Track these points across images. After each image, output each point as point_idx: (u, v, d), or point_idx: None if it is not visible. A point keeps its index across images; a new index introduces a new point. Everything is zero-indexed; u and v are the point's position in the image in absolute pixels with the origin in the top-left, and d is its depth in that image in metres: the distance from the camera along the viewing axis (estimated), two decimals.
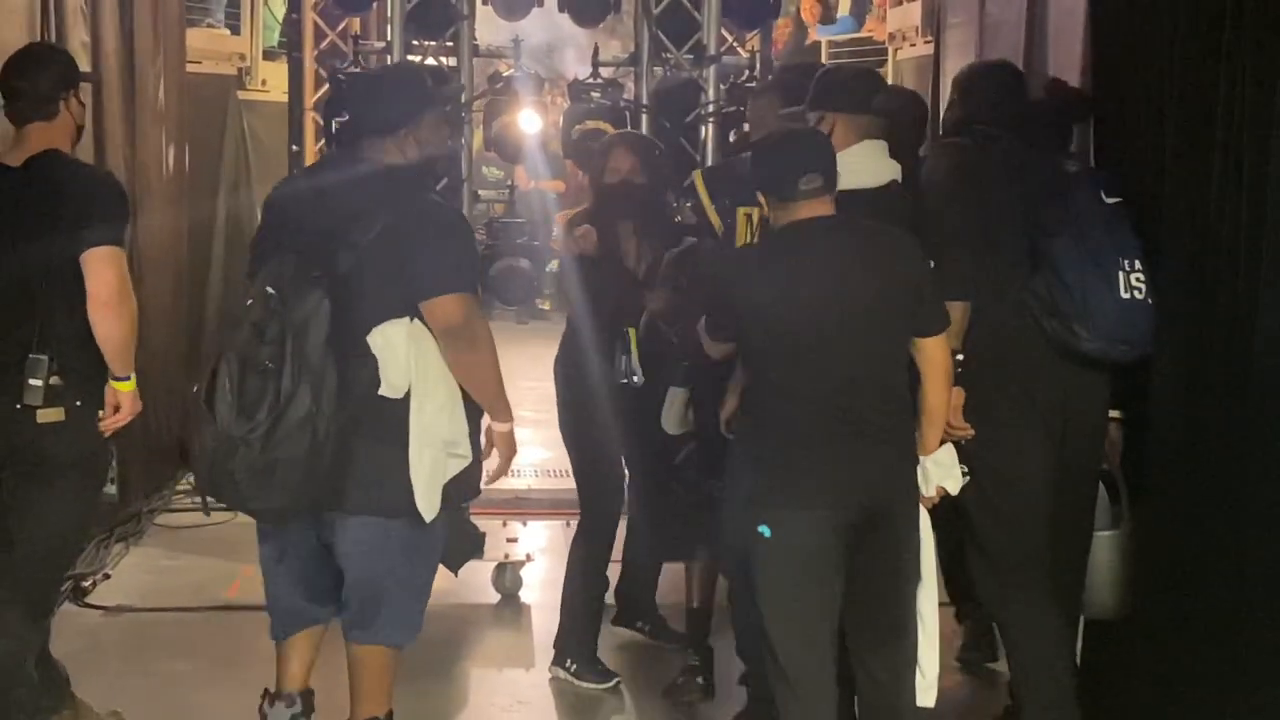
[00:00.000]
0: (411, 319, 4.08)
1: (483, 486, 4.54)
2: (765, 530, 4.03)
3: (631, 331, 5.36)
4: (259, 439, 3.94)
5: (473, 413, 4.28)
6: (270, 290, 4.02)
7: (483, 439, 4.32)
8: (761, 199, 4.14)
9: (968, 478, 4.38)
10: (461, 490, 4.33)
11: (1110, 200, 4.46)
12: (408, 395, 4.09)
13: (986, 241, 4.44)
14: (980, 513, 4.51)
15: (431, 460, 4.12)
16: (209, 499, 4.16)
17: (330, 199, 4.21)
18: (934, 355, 4.13)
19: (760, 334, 4.08)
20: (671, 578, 5.78)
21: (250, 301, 4.08)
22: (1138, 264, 4.38)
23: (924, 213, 4.41)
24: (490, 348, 4.18)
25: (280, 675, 4.47)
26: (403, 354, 4.06)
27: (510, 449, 4.32)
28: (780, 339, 4.05)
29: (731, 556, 4.68)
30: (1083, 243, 4.38)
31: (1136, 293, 4.36)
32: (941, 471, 4.21)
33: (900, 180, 4.37)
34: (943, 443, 4.26)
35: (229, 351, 4.00)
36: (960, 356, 4.42)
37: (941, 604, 4.41)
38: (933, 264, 4.23)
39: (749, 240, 4.91)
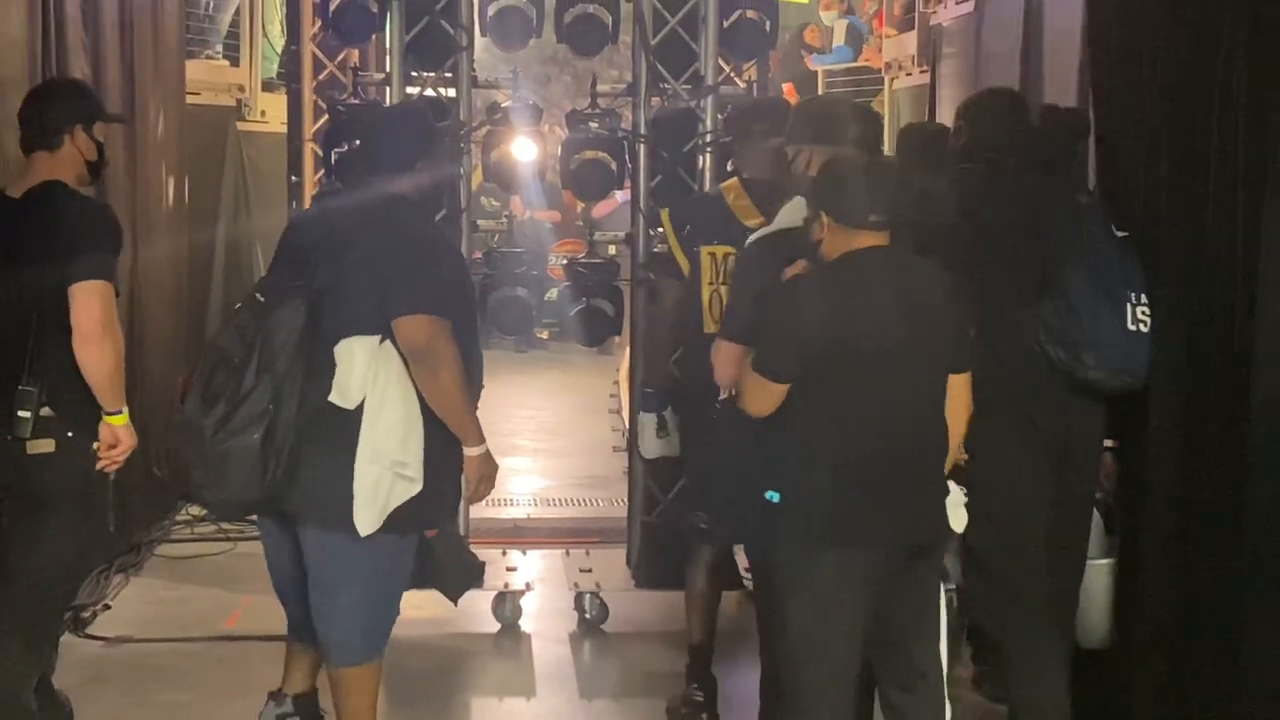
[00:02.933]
0: (383, 339, 4.19)
1: (464, 508, 4.60)
2: (798, 563, 3.96)
3: None
4: (212, 426, 4.12)
5: (450, 446, 4.34)
6: (258, 296, 4.26)
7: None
8: (824, 220, 4.02)
9: (967, 500, 4.40)
10: (417, 518, 4.34)
11: (1120, 234, 4.49)
12: (359, 413, 4.17)
13: (995, 272, 4.46)
14: (981, 536, 4.52)
15: (375, 476, 4.19)
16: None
17: (332, 219, 4.44)
18: (961, 392, 4.10)
19: (816, 364, 3.93)
20: (666, 606, 5.77)
21: (239, 305, 4.34)
22: (1143, 296, 4.41)
23: (933, 240, 4.45)
24: (455, 371, 4.23)
25: (283, 676, 4.72)
26: (360, 366, 4.17)
27: (479, 472, 4.39)
28: (837, 371, 3.93)
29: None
30: (1095, 273, 4.40)
31: (1142, 325, 4.39)
32: (956, 512, 4.21)
33: None
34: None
35: (210, 348, 4.28)
36: None
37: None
38: None
39: (714, 280, 4.98)
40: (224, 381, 4.16)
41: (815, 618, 3.93)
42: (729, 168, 6.56)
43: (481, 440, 4.37)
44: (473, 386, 4.39)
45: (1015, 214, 4.55)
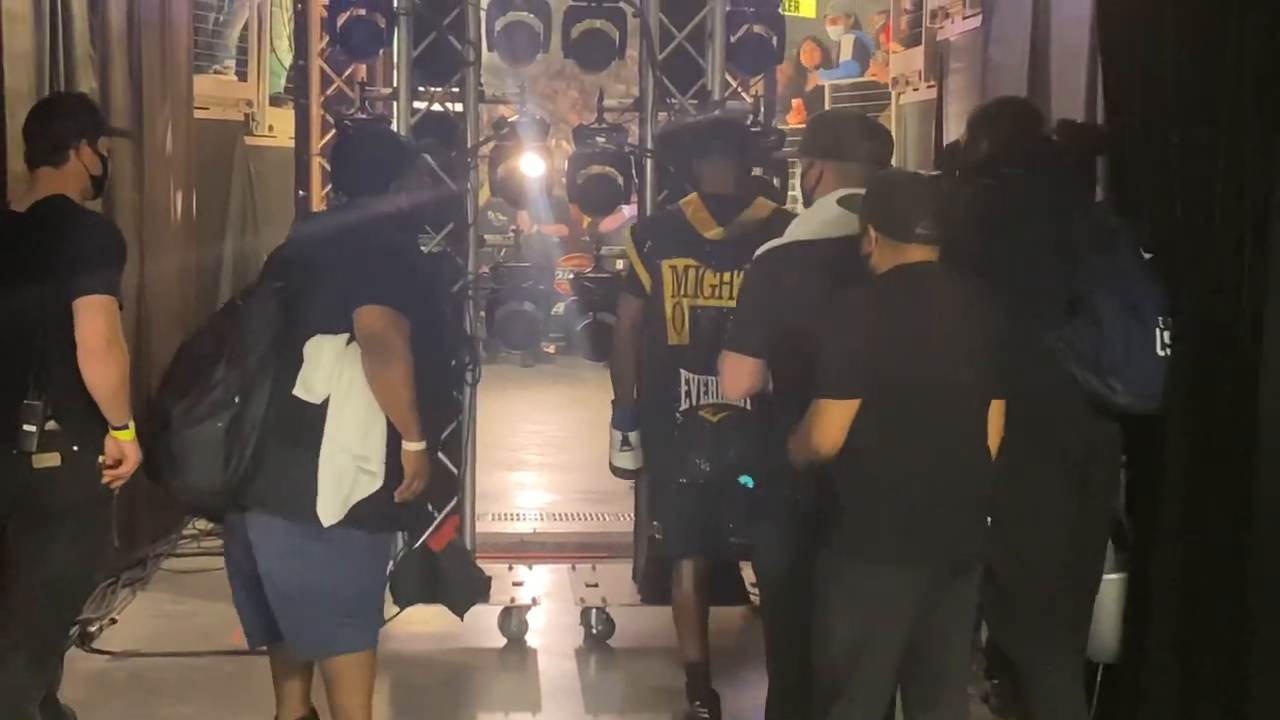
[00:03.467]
0: (349, 340, 4.36)
1: (470, 524, 4.72)
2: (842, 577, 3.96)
3: None
4: (179, 414, 4.30)
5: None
6: (237, 301, 4.50)
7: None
8: (872, 234, 4.01)
9: (989, 519, 4.42)
10: (381, 516, 4.50)
11: (1148, 255, 4.45)
12: (324, 408, 4.34)
13: (1020, 291, 4.44)
14: (1000, 555, 4.51)
15: (339, 468, 4.35)
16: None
17: (313, 233, 4.70)
18: (996, 415, 4.08)
19: (873, 377, 3.90)
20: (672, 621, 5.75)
21: (220, 307, 4.59)
22: (1169, 320, 4.37)
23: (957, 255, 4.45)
24: (405, 366, 4.38)
25: (277, 706, 4.76)
26: (326, 363, 4.35)
27: (414, 468, 4.49)
28: (888, 387, 3.90)
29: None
30: (1126, 297, 4.36)
31: (1168, 349, 4.36)
32: None
33: None
34: None
35: (184, 346, 4.48)
36: None
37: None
38: None
39: (675, 294, 5.15)
40: (194, 374, 4.34)
41: (864, 632, 3.94)
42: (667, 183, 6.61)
43: (423, 438, 4.49)
44: (448, 404, 4.53)
45: (1039, 233, 4.50)
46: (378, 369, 4.34)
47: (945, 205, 4.04)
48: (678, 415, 5.20)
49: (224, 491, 4.36)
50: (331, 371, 4.34)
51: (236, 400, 4.30)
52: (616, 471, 5.68)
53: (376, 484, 4.40)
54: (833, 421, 3.88)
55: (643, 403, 5.46)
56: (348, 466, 4.35)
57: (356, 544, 4.44)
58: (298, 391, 4.33)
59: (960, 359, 3.95)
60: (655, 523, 5.47)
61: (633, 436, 5.51)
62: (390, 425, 4.41)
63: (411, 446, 4.46)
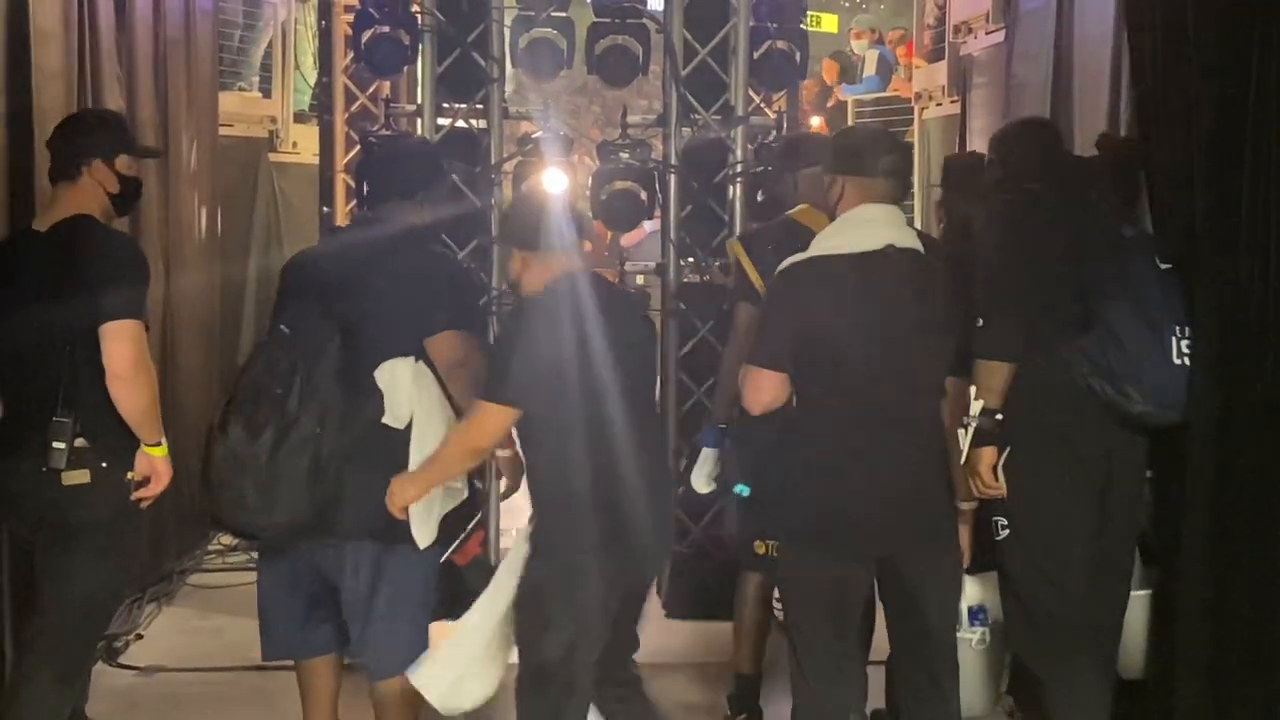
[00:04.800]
0: (416, 359, 4.37)
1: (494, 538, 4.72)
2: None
3: None
4: (265, 453, 4.22)
5: None
6: (284, 329, 4.38)
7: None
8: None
9: (1007, 531, 4.41)
10: (457, 527, 4.70)
11: (1164, 266, 4.46)
12: (408, 428, 4.36)
13: (1038, 303, 4.45)
14: (1024, 570, 4.51)
15: (430, 492, 4.38)
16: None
17: (349, 252, 4.59)
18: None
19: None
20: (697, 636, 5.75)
21: (266, 339, 4.47)
22: (1186, 330, 4.39)
23: (975, 271, 4.46)
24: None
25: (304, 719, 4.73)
26: (405, 386, 4.35)
27: (512, 470, 4.58)
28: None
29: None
30: (1140, 307, 4.38)
31: (1186, 359, 4.37)
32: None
33: (900, 245, 4.26)
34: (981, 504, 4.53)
35: (244, 381, 4.33)
36: (999, 416, 4.44)
37: None
38: (981, 322, 4.35)
39: None
40: (268, 411, 4.24)
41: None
42: (759, 197, 6.58)
43: (511, 445, 4.58)
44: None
45: (1056, 245, 4.53)
46: (469, 391, 4.36)
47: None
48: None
49: (309, 523, 4.30)
50: (410, 394, 4.36)
51: (318, 431, 4.25)
52: (700, 491, 5.47)
53: (462, 497, 4.55)
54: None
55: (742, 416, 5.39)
56: (438, 488, 4.42)
57: (434, 558, 4.55)
58: (387, 420, 4.34)
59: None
60: (766, 540, 5.33)
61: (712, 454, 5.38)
62: None
63: (506, 453, 4.56)
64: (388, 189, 4.73)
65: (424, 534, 4.40)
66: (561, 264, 4.22)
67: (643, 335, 4.40)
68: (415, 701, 4.52)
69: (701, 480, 5.34)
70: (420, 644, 4.49)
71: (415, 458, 4.34)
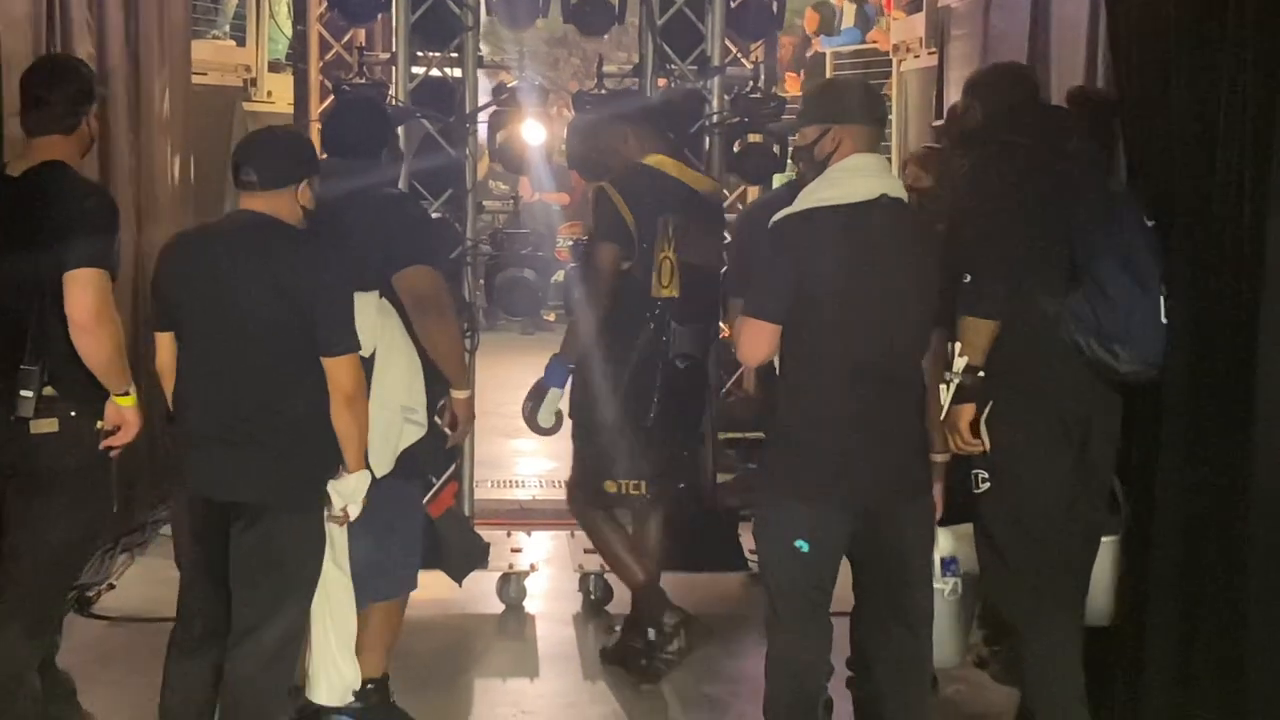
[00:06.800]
0: (380, 294, 4.48)
1: (469, 490, 4.77)
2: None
3: None
4: None
5: (435, 399, 4.73)
6: None
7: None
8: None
9: (988, 484, 4.43)
10: (420, 462, 4.72)
11: (1150, 223, 4.43)
12: (372, 358, 4.44)
13: (1024, 259, 4.42)
14: (1003, 523, 4.51)
15: (386, 422, 4.48)
16: None
17: (324, 193, 4.54)
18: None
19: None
20: (669, 585, 5.75)
21: None
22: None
23: (962, 224, 4.45)
24: (454, 319, 4.75)
25: None
26: (369, 319, 4.41)
27: (466, 412, 4.87)
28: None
29: None
30: (1129, 265, 4.35)
31: (1169, 316, 4.36)
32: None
33: (892, 195, 4.25)
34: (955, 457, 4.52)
35: None
36: (981, 374, 4.43)
37: None
38: (968, 278, 4.34)
39: (665, 248, 5.33)
40: None
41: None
42: (735, 149, 6.56)
43: (469, 385, 4.91)
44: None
45: (1042, 198, 4.48)
46: (432, 325, 4.58)
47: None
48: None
49: None
50: (373, 327, 4.44)
51: None
52: (541, 431, 5.68)
53: (422, 433, 4.62)
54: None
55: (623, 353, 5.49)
56: (395, 419, 4.52)
57: (398, 492, 4.59)
58: None
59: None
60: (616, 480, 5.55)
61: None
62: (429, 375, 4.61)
63: (461, 394, 4.80)
64: (354, 146, 4.82)
65: (381, 462, 4.46)
66: None
67: None
68: (388, 623, 4.75)
69: (548, 417, 5.57)
70: (374, 570, 4.53)
71: (378, 390, 4.41)
